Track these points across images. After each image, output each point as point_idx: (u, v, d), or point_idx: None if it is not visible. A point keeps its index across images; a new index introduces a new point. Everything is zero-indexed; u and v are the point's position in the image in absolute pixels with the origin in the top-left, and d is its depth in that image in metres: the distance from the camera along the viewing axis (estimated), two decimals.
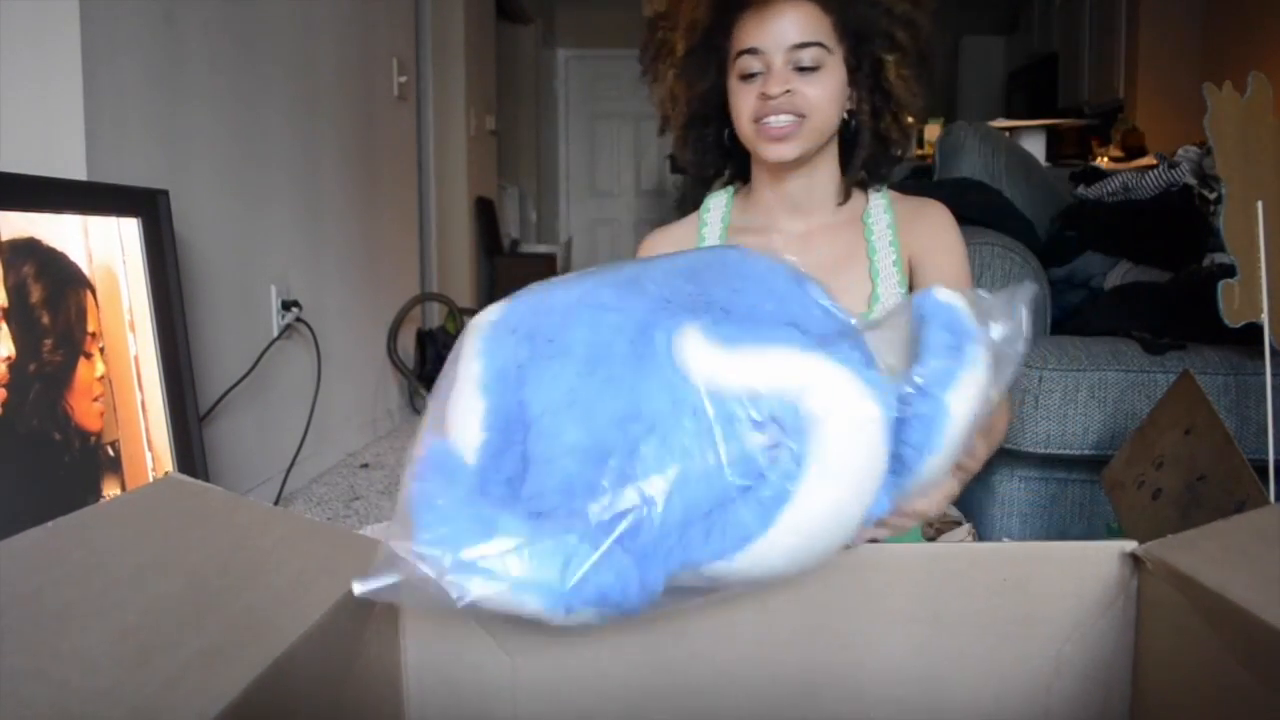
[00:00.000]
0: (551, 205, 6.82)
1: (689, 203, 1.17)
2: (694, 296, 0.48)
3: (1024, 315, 0.47)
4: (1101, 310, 1.70)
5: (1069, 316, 1.82)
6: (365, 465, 2.61)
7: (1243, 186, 1.21)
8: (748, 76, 0.98)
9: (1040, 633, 0.47)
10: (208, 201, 1.91)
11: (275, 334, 2.20)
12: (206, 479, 1.53)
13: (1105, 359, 1.50)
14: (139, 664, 0.33)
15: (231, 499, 0.50)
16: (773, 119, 0.97)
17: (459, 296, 4.03)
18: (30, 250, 1.30)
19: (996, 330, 0.46)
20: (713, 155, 1.10)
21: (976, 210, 1.76)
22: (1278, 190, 1.22)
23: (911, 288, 1.05)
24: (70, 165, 1.50)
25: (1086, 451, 1.50)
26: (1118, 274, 1.80)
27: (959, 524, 1.26)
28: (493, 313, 0.50)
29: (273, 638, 0.37)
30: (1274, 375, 1.19)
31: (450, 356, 0.49)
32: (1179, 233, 1.75)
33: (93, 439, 1.39)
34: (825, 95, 0.97)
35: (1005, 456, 1.60)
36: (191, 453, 1.57)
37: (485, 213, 4.54)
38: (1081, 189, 1.97)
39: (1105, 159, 4.22)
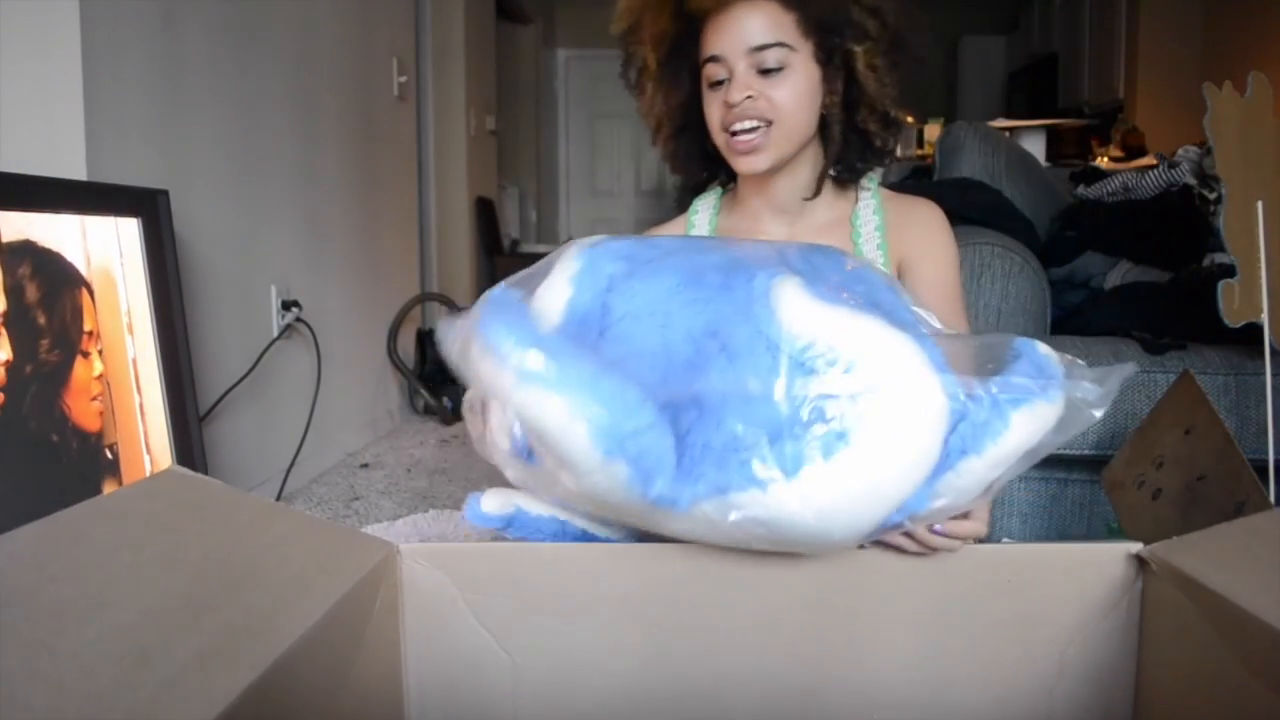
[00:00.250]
0: (551, 205, 6.82)
1: (686, 203, 1.16)
2: (792, 261, 0.50)
3: (1116, 388, 0.48)
4: (1101, 310, 1.70)
5: (1069, 316, 1.82)
6: (365, 465, 2.60)
7: (1243, 186, 1.21)
8: (715, 84, 0.97)
9: (1043, 634, 0.46)
10: (208, 201, 1.91)
11: (275, 334, 2.20)
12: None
13: (1105, 359, 1.50)
14: (137, 664, 0.33)
15: (232, 494, 0.50)
16: (738, 126, 0.95)
17: (459, 296, 4.02)
18: (26, 252, 1.30)
19: (1084, 389, 0.47)
20: (698, 163, 1.09)
21: (977, 210, 1.76)
22: (1278, 190, 1.22)
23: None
24: (70, 165, 1.49)
25: (1086, 451, 1.50)
26: (1118, 274, 1.80)
27: None
28: (596, 237, 0.53)
29: (272, 638, 0.36)
30: (1274, 375, 1.19)
31: (545, 260, 0.52)
32: (1179, 233, 1.75)
33: (91, 441, 1.38)
34: (792, 97, 0.95)
35: None
36: (191, 453, 1.57)
37: (485, 213, 4.54)
38: (1081, 189, 1.97)
39: (1105, 159, 4.22)
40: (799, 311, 0.44)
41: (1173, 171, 1.78)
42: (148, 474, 1.48)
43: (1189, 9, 4.67)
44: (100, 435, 1.40)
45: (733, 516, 0.42)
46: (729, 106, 0.95)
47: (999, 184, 1.90)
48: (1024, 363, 0.46)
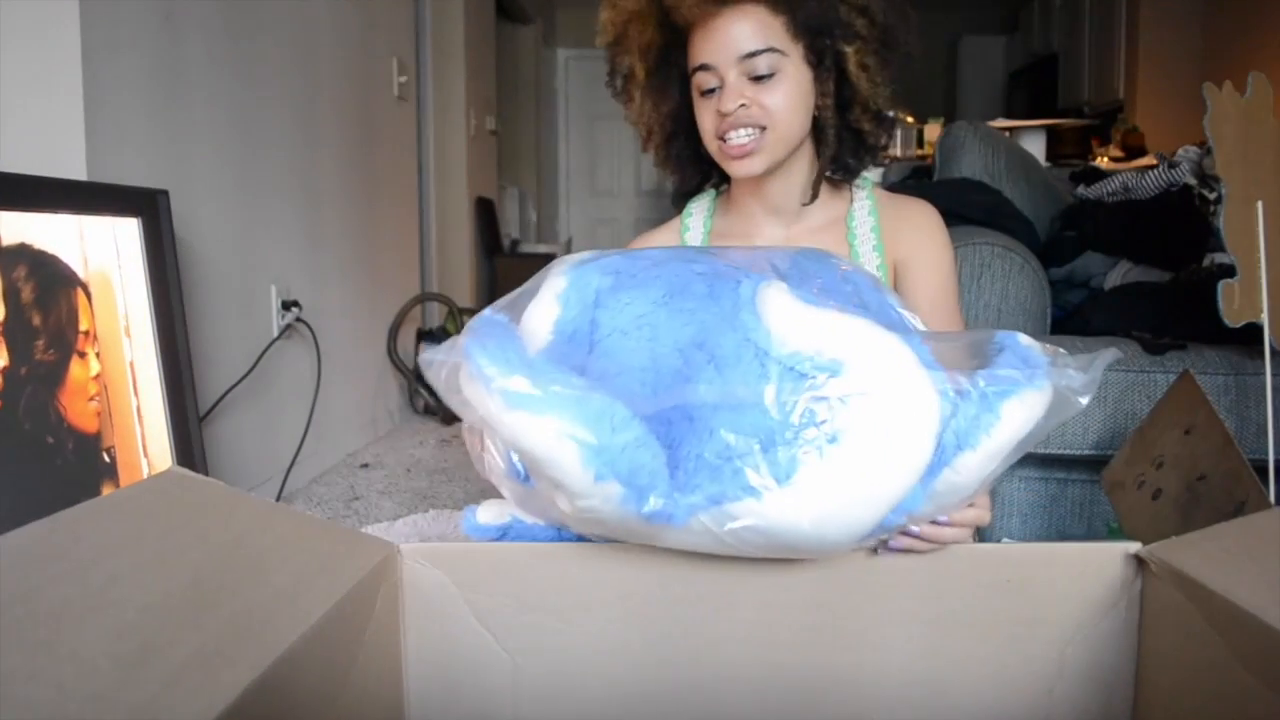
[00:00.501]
0: (551, 205, 6.82)
1: (681, 207, 1.16)
2: (779, 265, 0.50)
3: (1099, 374, 0.48)
4: (1101, 310, 1.70)
5: (1069, 316, 1.82)
6: (365, 465, 2.60)
7: (1243, 186, 1.21)
8: (706, 92, 0.96)
9: (1043, 634, 0.46)
10: (208, 201, 1.91)
11: (275, 334, 2.20)
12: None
13: (1113, 361, 1.49)
14: (137, 664, 0.33)
15: (232, 495, 0.50)
16: (732, 134, 0.95)
17: (459, 296, 4.02)
18: (21, 254, 1.30)
19: (1069, 375, 0.47)
20: (691, 169, 1.09)
21: (977, 210, 1.76)
22: (1278, 190, 1.22)
23: (896, 290, 1.03)
24: (70, 165, 1.50)
25: (1086, 451, 1.50)
26: (1118, 274, 1.80)
27: None
28: (582, 254, 0.53)
29: (272, 638, 0.36)
30: (1274, 375, 1.19)
31: (534, 278, 0.52)
32: (1179, 233, 1.75)
33: (88, 443, 1.38)
34: (785, 102, 0.94)
35: None
36: (191, 453, 1.57)
37: (485, 213, 4.54)
38: (1081, 189, 1.97)
39: (1105, 159, 4.22)
40: (786, 316, 0.44)
41: (1173, 171, 1.78)
42: (146, 477, 1.48)
43: (1189, 9, 4.67)
44: (98, 437, 1.40)
45: (729, 526, 0.42)
46: (722, 115, 0.94)
47: (999, 184, 1.90)
48: (1008, 355, 0.47)
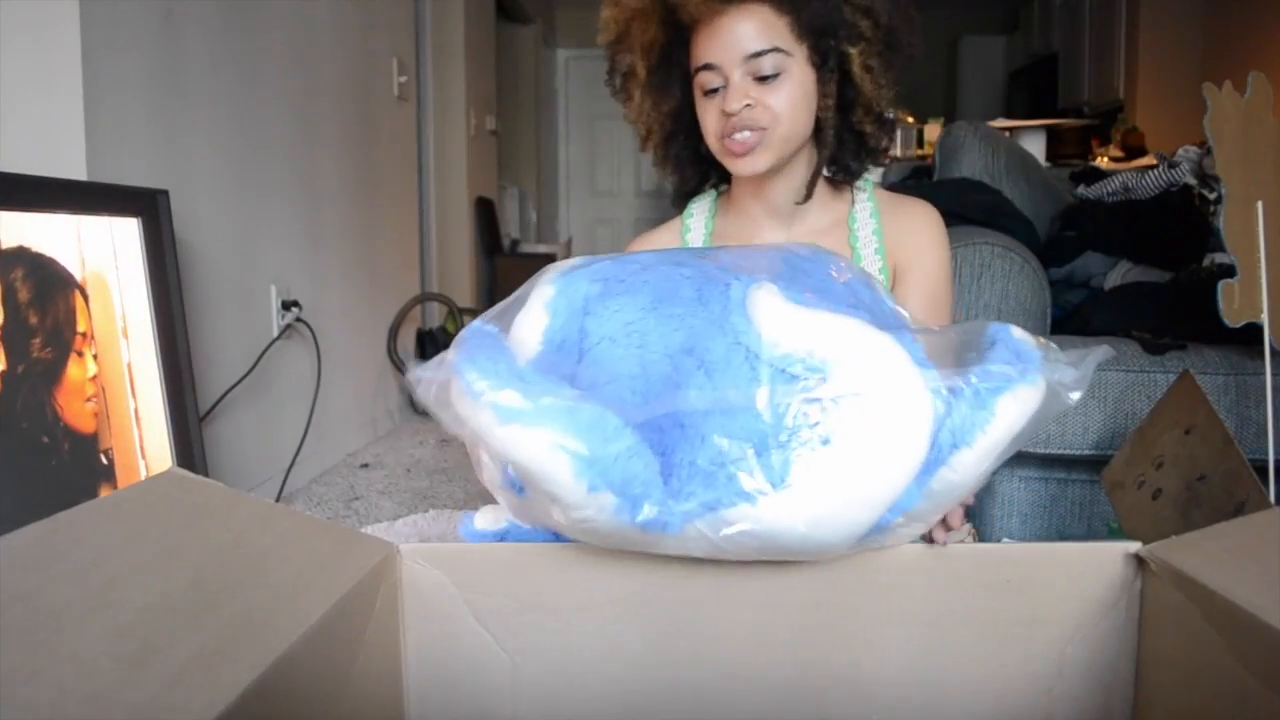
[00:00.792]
0: (551, 205, 6.82)
1: (680, 207, 1.15)
2: (770, 266, 0.50)
3: (1091, 370, 0.48)
4: (1101, 310, 1.70)
5: (1069, 316, 1.82)
6: (365, 465, 2.60)
7: (1243, 186, 1.21)
8: (709, 92, 0.95)
9: (1043, 634, 0.46)
10: (208, 201, 1.91)
11: (275, 334, 2.20)
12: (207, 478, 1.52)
13: (1105, 359, 1.49)
14: (137, 664, 0.33)
15: (232, 495, 0.50)
16: (737, 135, 0.94)
17: (459, 296, 4.02)
18: (20, 257, 1.30)
19: (1060, 371, 0.46)
20: (691, 169, 1.08)
21: (977, 210, 1.76)
22: (1278, 190, 1.22)
23: (894, 291, 1.03)
24: (70, 165, 1.49)
25: (1086, 451, 1.50)
26: (1118, 274, 1.80)
27: None
28: (571, 260, 0.53)
29: (272, 638, 0.36)
30: (1274, 375, 1.19)
31: (527, 283, 0.52)
32: (1179, 233, 1.75)
33: (85, 444, 1.38)
34: (789, 102, 0.94)
35: None
36: (191, 452, 1.57)
37: (485, 213, 4.54)
38: (1081, 189, 1.97)
39: (1105, 159, 4.22)
40: (776, 318, 0.44)
41: (1173, 171, 1.78)
42: (144, 479, 1.47)
43: (1189, 9, 4.67)
44: (95, 439, 1.39)
45: (725, 532, 0.42)
46: (727, 115, 0.94)
47: (999, 184, 1.90)
48: (1001, 349, 0.46)
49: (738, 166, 0.97)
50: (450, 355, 0.43)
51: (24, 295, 1.29)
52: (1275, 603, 0.37)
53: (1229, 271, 1.22)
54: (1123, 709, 0.46)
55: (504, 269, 4.66)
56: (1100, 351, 0.49)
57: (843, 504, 0.42)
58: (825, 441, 0.41)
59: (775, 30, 0.93)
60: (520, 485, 0.50)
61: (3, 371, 1.24)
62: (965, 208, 1.74)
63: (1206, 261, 1.70)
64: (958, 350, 0.47)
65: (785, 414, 0.42)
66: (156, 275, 1.53)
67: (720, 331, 0.44)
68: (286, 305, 2.25)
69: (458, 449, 2.80)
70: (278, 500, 2.15)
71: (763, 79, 0.93)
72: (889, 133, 1.04)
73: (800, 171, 1.02)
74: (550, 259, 5.21)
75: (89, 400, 1.38)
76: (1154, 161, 1.92)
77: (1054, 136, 4.54)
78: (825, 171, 1.04)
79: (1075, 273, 1.86)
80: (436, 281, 3.99)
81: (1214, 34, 4.55)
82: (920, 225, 1.04)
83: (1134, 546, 0.46)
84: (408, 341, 3.35)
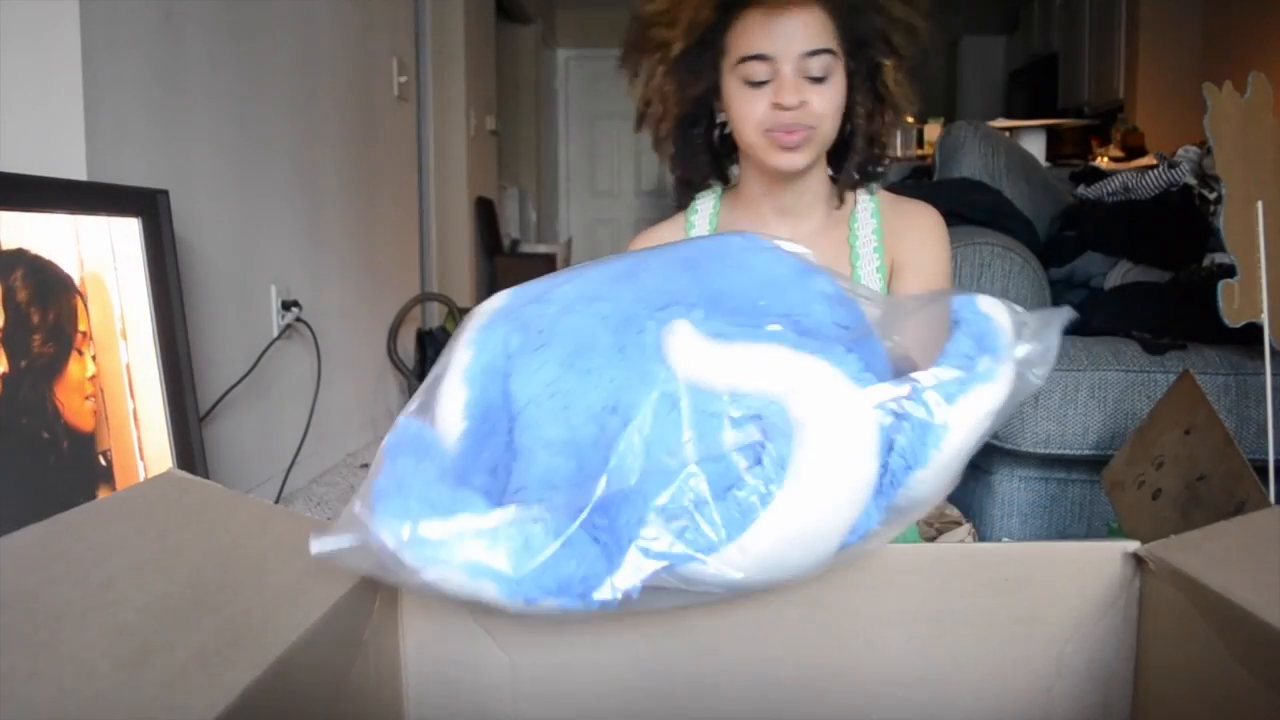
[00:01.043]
0: (551, 205, 6.82)
1: (686, 200, 1.15)
2: (689, 288, 0.47)
3: (1055, 340, 0.44)
4: (1101, 310, 1.70)
5: None
6: (365, 465, 2.61)
7: (1243, 186, 1.21)
8: (756, 83, 0.95)
9: (1041, 633, 0.46)
10: (208, 201, 1.91)
11: (275, 334, 2.20)
12: (206, 479, 1.52)
13: (1105, 359, 1.50)
14: (137, 665, 0.33)
15: (231, 496, 0.50)
16: (787, 130, 0.94)
17: (459, 296, 4.02)
18: (19, 259, 1.30)
19: (1023, 350, 0.44)
20: (703, 157, 1.07)
21: (977, 210, 1.76)
22: (1278, 190, 1.22)
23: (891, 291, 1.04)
24: (70, 165, 1.50)
25: (1086, 451, 1.50)
26: (1118, 274, 1.80)
27: (959, 524, 1.25)
28: (496, 300, 0.50)
29: (272, 638, 0.36)
30: (1274, 375, 1.19)
31: (448, 344, 0.49)
32: (1179, 233, 1.75)
33: (84, 443, 1.38)
34: (833, 106, 0.95)
35: (1005, 456, 1.60)
36: (191, 453, 1.57)
37: (485, 213, 4.54)
38: (1081, 189, 1.97)
39: (1105, 159, 4.22)
40: (695, 359, 0.41)
41: (1173, 171, 1.78)
42: (143, 480, 1.47)
43: (1189, 9, 4.67)
44: (93, 438, 1.39)
45: (684, 588, 0.40)
46: (779, 109, 0.93)
47: (999, 184, 1.90)
48: (961, 334, 0.43)
49: (779, 160, 0.96)
50: (356, 505, 0.40)
51: (23, 295, 1.29)
52: (1275, 602, 0.37)
53: (1229, 271, 1.22)
54: (1121, 708, 0.46)
55: (504, 269, 4.66)
56: (1061, 314, 0.45)
57: (798, 540, 0.40)
58: (769, 483, 0.39)
59: (827, 32, 0.94)
60: None
61: (4, 373, 1.24)
62: (965, 208, 1.74)
63: (1206, 261, 1.70)
64: (923, 333, 0.44)
65: (722, 462, 0.39)
66: (156, 275, 1.53)
67: (641, 382, 0.41)
68: (286, 305, 2.25)
69: None
70: (278, 500, 2.15)
71: (812, 79, 0.94)
72: (892, 139, 1.06)
73: (812, 175, 1.03)
74: (550, 259, 5.23)
75: (88, 398, 1.38)
76: (1154, 161, 1.92)
77: (1054, 136, 4.55)
78: (854, 175, 1.05)
79: (1075, 273, 1.86)
80: (436, 281, 3.99)
81: (1214, 34, 4.55)
82: (921, 227, 1.05)
83: (1133, 545, 0.46)
84: (408, 341, 3.35)
